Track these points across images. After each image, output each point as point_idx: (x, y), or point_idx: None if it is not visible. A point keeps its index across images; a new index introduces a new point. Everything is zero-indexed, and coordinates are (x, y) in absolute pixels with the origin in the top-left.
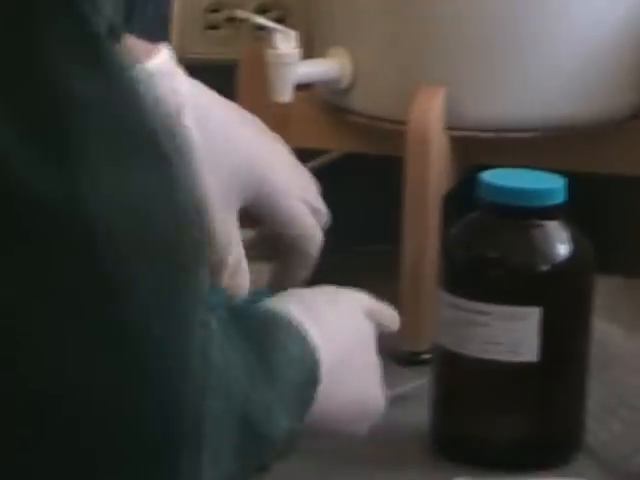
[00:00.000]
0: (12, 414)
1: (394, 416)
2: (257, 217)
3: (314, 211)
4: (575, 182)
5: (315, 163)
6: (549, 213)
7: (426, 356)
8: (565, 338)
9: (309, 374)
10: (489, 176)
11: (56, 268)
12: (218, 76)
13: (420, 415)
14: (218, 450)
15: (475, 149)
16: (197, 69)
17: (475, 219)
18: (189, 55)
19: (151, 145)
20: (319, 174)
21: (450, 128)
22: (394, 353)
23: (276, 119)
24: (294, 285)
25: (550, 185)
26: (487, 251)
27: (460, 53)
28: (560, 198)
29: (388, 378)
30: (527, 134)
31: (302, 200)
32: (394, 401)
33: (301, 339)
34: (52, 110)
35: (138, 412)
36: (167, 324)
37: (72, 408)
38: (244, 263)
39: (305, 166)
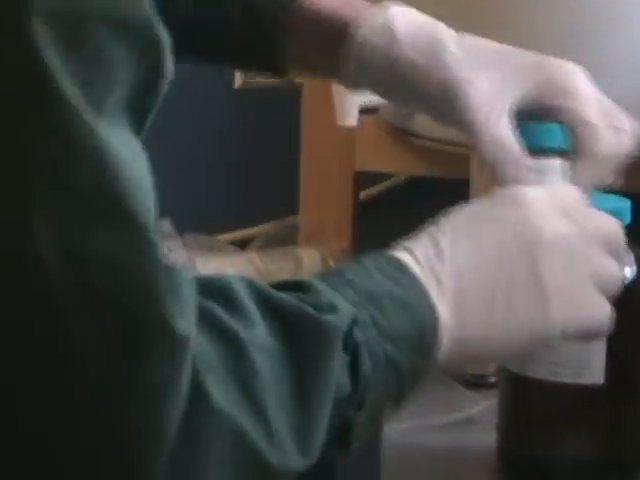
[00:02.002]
0: None
1: (461, 439)
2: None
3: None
4: None
5: (381, 186)
6: None
7: (492, 379)
8: (631, 361)
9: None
10: None
11: None
12: (283, 100)
13: (487, 437)
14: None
15: None
16: (261, 94)
17: None
18: (252, 79)
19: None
20: (384, 197)
21: None
22: (460, 376)
23: (341, 143)
24: (585, 186)
25: (616, 206)
26: None
27: None
28: (626, 219)
29: (454, 401)
30: None
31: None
32: (461, 424)
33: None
34: None
35: None
36: None
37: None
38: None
39: (370, 190)
